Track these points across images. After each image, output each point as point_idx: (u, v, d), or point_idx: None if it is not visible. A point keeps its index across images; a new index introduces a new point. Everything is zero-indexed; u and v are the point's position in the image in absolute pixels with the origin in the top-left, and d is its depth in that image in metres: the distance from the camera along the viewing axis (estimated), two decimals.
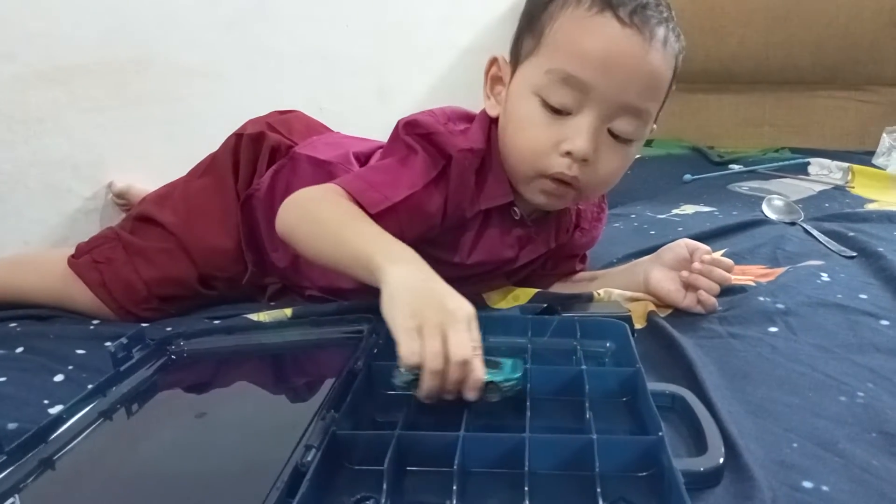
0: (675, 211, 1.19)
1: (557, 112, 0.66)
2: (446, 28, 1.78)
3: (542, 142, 0.67)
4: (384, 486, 0.43)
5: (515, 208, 0.75)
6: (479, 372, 0.49)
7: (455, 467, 0.44)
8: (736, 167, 1.52)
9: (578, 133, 0.65)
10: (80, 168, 1.15)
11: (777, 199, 1.17)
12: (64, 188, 1.14)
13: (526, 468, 0.44)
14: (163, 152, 1.22)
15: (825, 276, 0.79)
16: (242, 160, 0.88)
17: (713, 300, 0.72)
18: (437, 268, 0.57)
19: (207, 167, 0.90)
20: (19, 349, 0.71)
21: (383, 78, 1.60)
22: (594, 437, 0.46)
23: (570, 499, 0.44)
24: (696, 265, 0.72)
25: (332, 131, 0.97)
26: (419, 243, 0.64)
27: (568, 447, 0.46)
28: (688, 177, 1.44)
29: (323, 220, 0.65)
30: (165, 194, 0.89)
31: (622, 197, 1.34)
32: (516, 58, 0.71)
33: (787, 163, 1.50)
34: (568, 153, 0.66)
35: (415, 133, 0.71)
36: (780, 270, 0.83)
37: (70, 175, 1.14)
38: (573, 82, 0.64)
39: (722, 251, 0.91)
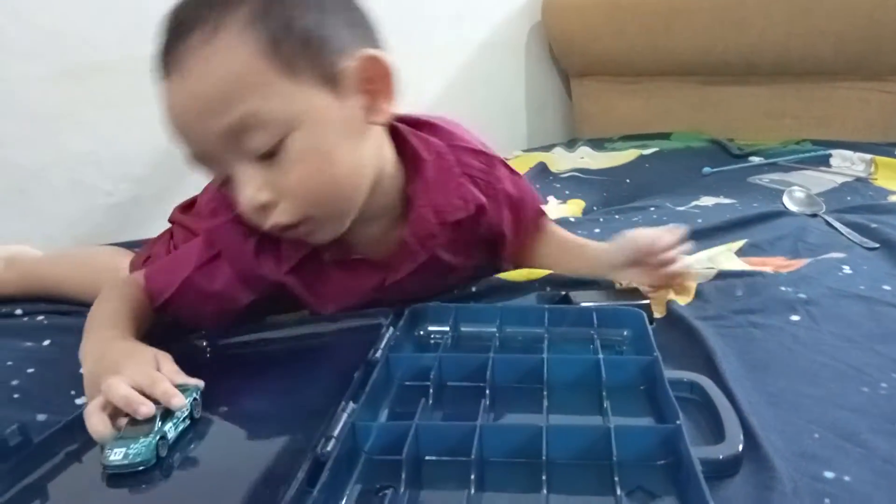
0: (694, 203, 1.18)
1: (221, 181, 0.61)
2: (460, 25, 1.78)
3: (244, 211, 0.60)
4: (403, 476, 0.44)
5: (321, 254, 0.69)
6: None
7: (473, 457, 0.44)
8: (756, 159, 1.50)
9: (238, 190, 0.59)
10: (101, 164, 1.17)
11: (798, 190, 1.16)
12: (86, 184, 1.16)
13: (544, 457, 0.44)
14: None
15: (847, 268, 0.78)
16: None
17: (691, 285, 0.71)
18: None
19: None
20: (46, 342, 0.73)
21: (402, 73, 1.61)
22: (612, 425, 0.46)
23: (588, 487, 0.44)
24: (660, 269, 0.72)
25: None
26: (271, 300, 0.70)
27: (586, 436, 0.46)
28: (707, 169, 1.43)
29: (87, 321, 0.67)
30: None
31: (641, 190, 1.33)
32: None
33: (808, 155, 1.48)
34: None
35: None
36: (802, 262, 0.82)
37: (92, 171, 1.16)
38: (191, 158, 0.60)
39: (742, 243, 0.90)
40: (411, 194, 0.69)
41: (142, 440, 0.48)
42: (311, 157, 0.58)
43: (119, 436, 0.49)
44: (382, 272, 0.71)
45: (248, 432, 0.54)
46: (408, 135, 0.70)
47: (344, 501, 0.43)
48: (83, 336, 0.64)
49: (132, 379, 0.52)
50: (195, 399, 0.53)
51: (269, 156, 0.57)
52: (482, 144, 0.76)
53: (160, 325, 0.69)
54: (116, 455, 0.47)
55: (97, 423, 0.50)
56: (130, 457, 0.47)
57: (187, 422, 0.52)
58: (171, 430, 0.50)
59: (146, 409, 0.50)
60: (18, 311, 0.81)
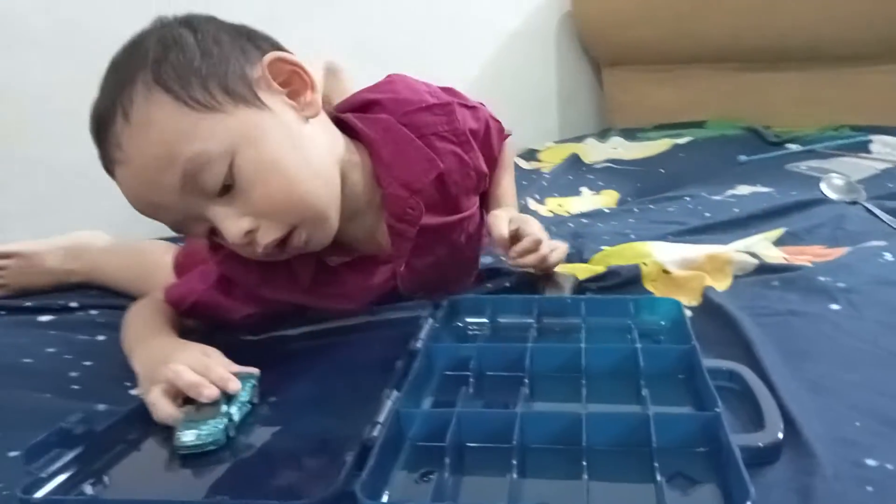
0: (730, 192, 1.17)
1: (195, 234, 0.64)
2: (492, 15, 1.78)
3: (235, 247, 0.63)
4: (446, 461, 0.45)
5: (326, 260, 0.71)
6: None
7: (514, 443, 0.46)
8: (793, 147, 1.47)
9: (222, 228, 0.60)
10: None
11: (837, 178, 1.14)
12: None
13: (584, 444, 0.45)
14: None
15: (888, 256, 0.77)
16: None
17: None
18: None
19: None
20: (101, 336, 0.76)
21: (429, 67, 1.62)
22: (651, 412, 0.47)
23: (628, 474, 0.45)
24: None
25: None
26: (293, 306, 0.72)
27: (625, 423, 0.47)
28: (743, 158, 1.41)
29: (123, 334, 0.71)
30: None
31: (676, 180, 1.32)
32: None
33: (847, 141, 1.45)
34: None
35: None
36: (841, 251, 0.81)
37: None
38: (168, 224, 0.62)
39: (780, 231, 0.90)
40: (378, 178, 0.70)
41: (211, 422, 0.51)
42: (263, 172, 0.59)
43: (188, 419, 0.52)
44: (389, 263, 0.72)
45: (299, 418, 0.56)
46: (353, 122, 0.71)
47: (390, 485, 0.45)
48: (128, 348, 0.68)
49: (190, 365, 0.55)
50: (254, 385, 0.57)
51: (228, 189, 0.59)
52: (432, 94, 0.74)
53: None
54: (189, 437, 0.50)
55: (165, 406, 0.54)
56: (203, 437, 0.50)
57: (249, 406, 0.55)
58: (235, 413, 0.53)
59: (211, 391, 0.53)
60: (74, 304, 0.85)
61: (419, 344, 0.60)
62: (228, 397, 0.54)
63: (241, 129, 0.59)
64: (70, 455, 0.48)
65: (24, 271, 0.94)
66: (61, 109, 1.11)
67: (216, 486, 0.48)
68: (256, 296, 0.71)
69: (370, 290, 0.73)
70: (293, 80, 0.64)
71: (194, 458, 0.50)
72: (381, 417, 0.49)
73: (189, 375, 0.54)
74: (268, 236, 0.60)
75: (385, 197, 0.70)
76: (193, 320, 0.74)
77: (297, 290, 0.70)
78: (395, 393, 0.52)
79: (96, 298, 0.88)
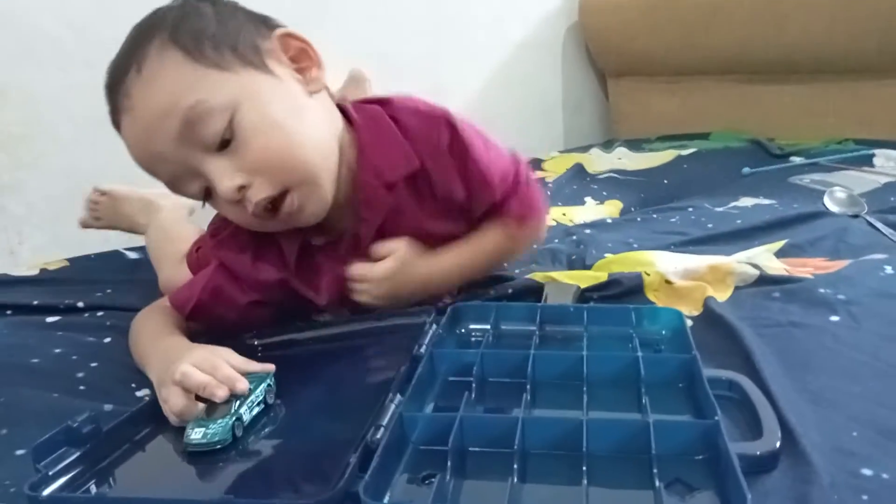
0: (733, 204, 1.18)
1: (191, 193, 0.66)
2: (500, 24, 1.80)
3: (226, 211, 0.67)
4: (448, 465, 0.46)
5: (311, 240, 0.73)
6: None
7: (515, 448, 0.46)
8: (797, 159, 1.48)
9: (214, 185, 0.62)
10: None
11: (840, 191, 1.15)
12: (140, 186, 1.20)
13: (584, 449, 0.46)
14: None
15: (889, 269, 0.77)
16: None
17: None
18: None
19: None
20: (107, 338, 0.77)
21: (438, 76, 1.63)
22: (651, 419, 0.47)
23: (628, 480, 0.45)
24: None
25: None
26: (284, 299, 0.75)
27: (625, 429, 0.48)
28: (747, 170, 1.42)
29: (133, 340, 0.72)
30: None
31: (679, 191, 1.33)
32: None
33: (850, 154, 1.46)
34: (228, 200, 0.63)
35: None
36: (842, 263, 0.81)
37: (145, 174, 1.21)
38: (164, 179, 0.66)
39: (782, 243, 0.90)
40: (357, 162, 0.71)
41: (220, 421, 0.52)
42: (263, 129, 0.62)
43: (199, 417, 0.53)
44: (363, 252, 0.72)
45: (304, 420, 0.57)
46: (347, 108, 0.73)
47: (392, 487, 0.45)
48: (139, 355, 0.69)
49: (197, 364, 0.56)
50: (269, 385, 0.58)
51: (226, 144, 0.61)
52: (427, 106, 0.74)
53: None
54: (197, 434, 0.51)
55: (177, 402, 0.55)
56: (209, 436, 0.51)
57: (262, 406, 0.57)
58: (246, 412, 0.55)
59: (222, 392, 0.54)
60: (80, 305, 0.86)
61: (423, 349, 0.60)
62: (241, 396, 0.55)
63: (246, 88, 0.62)
64: (77, 453, 0.49)
65: (114, 208, 1.07)
66: (77, 114, 1.13)
67: (221, 486, 0.48)
68: (252, 280, 0.73)
69: (341, 281, 0.73)
70: (301, 57, 0.68)
71: (200, 457, 0.51)
72: (385, 421, 0.50)
73: (198, 376, 0.55)
74: (260, 193, 0.62)
75: (359, 181, 0.71)
76: (201, 324, 0.74)
77: (283, 270, 0.73)
78: (398, 397, 0.53)
79: (103, 299, 0.89)
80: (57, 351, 0.73)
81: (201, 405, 0.54)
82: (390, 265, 0.71)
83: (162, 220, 1.02)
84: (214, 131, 0.60)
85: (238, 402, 0.54)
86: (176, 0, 0.66)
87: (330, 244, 0.74)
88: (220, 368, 0.56)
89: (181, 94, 0.60)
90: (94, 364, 0.70)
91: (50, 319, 0.82)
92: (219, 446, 0.51)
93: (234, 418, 0.53)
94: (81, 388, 0.66)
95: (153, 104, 0.60)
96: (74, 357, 0.72)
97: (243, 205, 0.63)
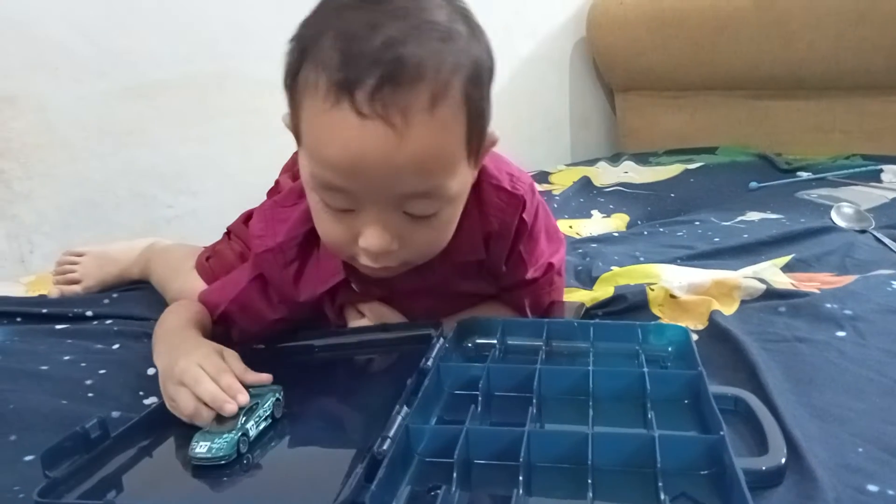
0: (740, 218, 1.18)
1: (341, 210, 0.58)
2: (508, 39, 1.81)
3: (337, 238, 0.60)
4: (454, 476, 0.46)
5: (353, 284, 0.71)
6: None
7: (521, 461, 0.46)
8: (804, 174, 1.48)
9: (369, 230, 0.57)
10: (164, 178, 1.23)
11: (847, 206, 1.15)
12: (149, 196, 1.22)
13: (589, 463, 0.46)
14: (239, 162, 1.29)
15: None
16: None
17: None
18: None
19: None
20: (115, 345, 0.77)
21: None
22: (656, 434, 0.47)
23: (633, 493, 0.46)
24: None
25: None
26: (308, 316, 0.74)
27: (631, 444, 0.48)
28: (754, 184, 1.42)
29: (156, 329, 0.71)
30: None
31: (686, 205, 1.33)
32: (294, 130, 0.60)
33: (858, 170, 1.46)
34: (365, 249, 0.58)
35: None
36: (849, 279, 0.82)
37: (155, 184, 1.22)
38: (335, 188, 0.56)
39: (788, 257, 0.90)
40: None
41: (225, 436, 0.52)
42: (444, 225, 0.61)
43: (204, 430, 0.53)
44: (387, 288, 0.72)
45: (311, 430, 0.57)
46: None
47: (398, 498, 0.45)
48: (154, 343, 0.69)
49: (202, 364, 0.56)
50: (278, 399, 0.57)
51: (413, 216, 0.58)
52: (512, 183, 0.69)
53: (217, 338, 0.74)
54: (201, 448, 0.51)
55: (188, 405, 0.54)
56: (213, 451, 0.51)
57: (269, 420, 0.56)
58: (252, 427, 0.54)
59: (231, 406, 0.53)
60: (89, 314, 0.86)
61: (430, 363, 0.60)
62: (248, 409, 0.54)
63: (464, 186, 0.60)
64: (85, 459, 0.50)
65: (98, 265, 1.00)
66: (89, 124, 1.14)
67: (227, 495, 0.49)
68: (288, 299, 0.72)
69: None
70: (481, 158, 0.64)
71: (207, 466, 0.51)
72: (391, 432, 0.50)
73: (210, 387, 0.54)
74: (391, 263, 0.60)
75: None
76: (223, 328, 0.74)
77: (320, 288, 0.71)
78: (405, 409, 0.53)
79: (112, 308, 0.90)
80: (66, 358, 0.73)
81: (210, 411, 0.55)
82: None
83: (157, 245, 1.01)
84: (421, 211, 0.57)
85: (245, 417, 0.54)
86: (482, 52, 0.58)
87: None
88: (223, 375, 0.56)
89: (439, 170, 0.55)
90: (102, 371, 0.71)
91: (59, 327, 0.83)
92: (223, 461, 0.50)
93: (240, 433, 0.52)
94: (90, 395, 0.66)
95: (415, 155, 0.52)
96: (83, 364, 0.72)
97: (368, 257, 0.59)
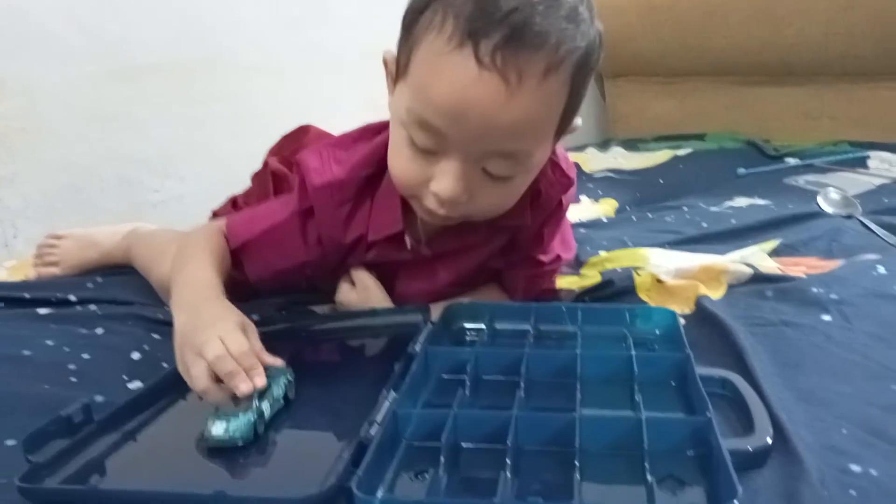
0: (728, 204, 1.18)
1: (424, 150, 0.60)
2: None
3: (411, 176, 0.62)
4: (442, 460, 0.46)
5: (407, 237, 0.71)
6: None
7: (509, 444, 0.46)
8: (792, 161, 1.49)
9: (444, 176, 0.59)
10: (150, 162, 1.22)
11: (834, 192, 1.15)
12: (135, 181, 1.21)
13: (577, 446, 0.46)
14: (226, 147, 1.28)
15: (882, 269, 0.78)
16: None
17: None
18: None
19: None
20: (99, 330, 0.76)
21: None
22: (643, 416, 0.47)
23: (620, 476, 0.46)
24: None
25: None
26: (322, 276, 0.74)
27: (618, 426, 0.48)
28: (742, 170, 1.43)
29: (175, 254, 0.72)
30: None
31: (674, 190, 1.34)
32: (397, 65, 0.63)
33: (845, 156, 1.47)
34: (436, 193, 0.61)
35: (297, 171, 0.73)
36: (836, 263, 0.82)
37: (141, 169, 1.21)
38: (429, 127, 0.58)
39: (775, 242, 0.91)
40: None
41: (241, 417, 0.51)
42: (514, 190, 0.64)
43: (219, 410, 0.52)
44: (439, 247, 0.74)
45: (298, 416, 0.57)
46: None
47: (385, 482, 0.45)
48: (172, 285, 0.67)
49: (225, 339, 0.56)
50: (288, 380, 0.57)
51: (490, 174, 0.60)
52: (559, 177, 0.73)
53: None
54: (218, 430, 0.50)
55: (203, 382, 0.55)
56: (231, 431, 0.50)
57: (282, 402, 0.56)
58: (267, 409, 0.53)
59: (247, 387, 0.53)
60: (72, 298, 0.85)
61: (418, 347, 0.60)
62: (262, 391, 0.54)
63: (543, 159, 0.64)
64: (68, 444, 0.49)
65: (79, 248, 0.98)
66: (75, 108, 1.13)
67: (213, 479, 0.48)
68: (333, 237, 0.72)
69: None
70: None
71: (193, 449, 0.50)
72: (379, 417, 0.50)
73: (229, 365, 0.54)
74: (454, 213, 0.62)
75: None
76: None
77: (374, 236, 0.71)
78: (392, 394, 0.53)
79: (95, 292, 0.89)
80: (49, 343, 0.72)
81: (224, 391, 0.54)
82: (353, 300, 0.74)
83: (140, 229, 1.00)
84: (498, 171, 0.60)
85: (260, 398, 0.53)
86: (595, 39, 0.60)
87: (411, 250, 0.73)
88: (245, 356, 0.55)
89: (532, 133, 0.59)
90: (86, 356, 0.70)
91: (42, 311, 0.82)
92: (240, 443, 0.50)
93: (256, 415, 0.52)
94: (73, 379, 0.66)
95: (518, 113, 0.55)
96: (67, 349, 0.71)
97: (435, 201, 0.61)
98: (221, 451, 0.50)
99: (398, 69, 0.62)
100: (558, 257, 0.79)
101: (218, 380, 0.55)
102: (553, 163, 0.71)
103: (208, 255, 0.69)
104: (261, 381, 0.54)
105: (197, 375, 0.55)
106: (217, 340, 0.56)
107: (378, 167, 0.70)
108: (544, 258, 0.77)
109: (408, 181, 0.63)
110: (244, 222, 0.75)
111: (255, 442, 0.51)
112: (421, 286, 0.76)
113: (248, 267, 0.74)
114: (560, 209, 0.75)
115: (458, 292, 0.77)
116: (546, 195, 0.72)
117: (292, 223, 0.72)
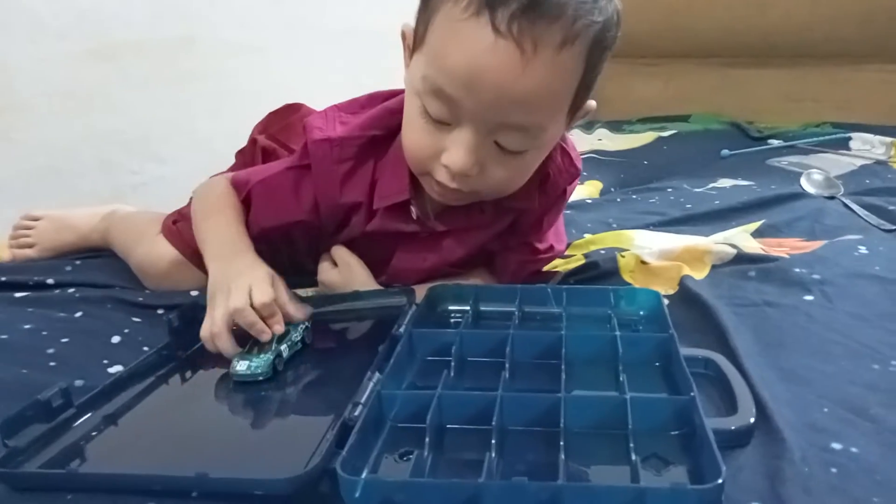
0: (711, 185, 1.19)
1: (437, 121, 0.60)
2: None
3: (423, 147, 0.62)
4: (427, 441, 0.46)
5: (413, 206, 0.71)
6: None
7: (494, 425, 0.46)
8: (775, 142, 1.50)
9: (456, 147, 0.59)
10: (129, 143, 1.20)
11: (816, 173, 1.16)
12: (114, 162, 1.18)
13: (562, 426, 0.46)
14: (208, 127, 1.26)
15: (863, 249, 0.78)
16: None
17: None
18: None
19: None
20: (78, 313, 0.75)
21: None
22: (628, 396, 0.47)
23: (605, 455, 0.46)
24: None
25: None
26: (314, 241, 0.76)
27: (602, 406, 0.48)
28: (725, 152, 1.43)
29: (196, 211, 0.77)
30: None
31: (659, 171, 1.34)
32: (415, 36, 0.63)
33: (827, 137, 1.48)
34: (447, 166, 0.61)
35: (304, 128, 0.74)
36: (818, 244, 0.83)
37: (120, 150, 1.19)
38: (443, 96, 0.58)
39: (759, 223, 0.91)
40: None
41: (262, 356, 0.57)
42: (525, 167, 0.64)
43: (243, 351, 0.58)
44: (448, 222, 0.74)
45: (283, 398, 0.56)
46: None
47: (370, 463, 0.45)
48: (199, 236, 0.73)
49: (251, 287, 0.61)
50: (307, 327, 0.63)
51: (502, 148, 0.61)
52: (567, 167, 0.74)
53: None
54: (242, 366, 0.56)
55: (226, 341, 0.59)
56: (252, 368, 0.56)
57: (300, 345, 0.62)
58: (285, 350, 0.60)
59: (266, 335, 0.59)
60: (50, 281, 0.84)
61: (402, 329, 0.60)
62: (280, 335, 0.60)
63: (554, 136, 0.65)
64: (47, 429, 0.49)
65: (55, 229, 0.97)
66: (51, 87, 1.10)
67: (196, 462, 0.48)
68: (327, 196, 0.72)
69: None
70: (577, 121, 0.68)
71: (173, 431, 0.50)
72: (363, 398, 0.49)
73: (251, 317, 0.59)
74: (463, 187, 0.62)
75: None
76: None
77: (363, 197, 0.71)
78: (377, 375, 0.53)
79: (73, 275, 0.87)
80: (27, 327, 0.71)
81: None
82: (336, 279, 0.75)
83: (119, 211, 0.98)
84: (511, 145, 0.60)
85: (277, 339, 0.59)
86: (613, 17, 0.61)
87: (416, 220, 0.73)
88: (268, 306, 0.60)
89: (546, 107, 0.59)
90: (64, 340, 0.69)
91: (18, 295, 0.80)
92: (261, 378, 0.56)
93: (275, 355, 0.58)
94: (52, 363, 0.65)
95: (531, 85, 0.56)
96: (45, 333, 0.70)
97: (447, 173, 0.61)
98: (204, 433, 0.50)
99: (416, 40, 0.62)
100: (552, 247, 0.79)
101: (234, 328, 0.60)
102: (563, 150, 0.72)
103: (230, 210, 0.73)
104: (279, 328, 0.59)
105: (215, 319, 0.59)
106: (243, 290, 0.60)
107: (384, 130, 0.69)
108: (539, 245, 0.78)
109: (420, 153, 0.63)
110: (246, 173, 0.76)
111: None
112: (418, 264, 0.75)
113: (249, 223, 0.75)
114: (563, 198, 0.76)
115: (449, 273, 0.77)
116: (553, 181, 0.73)
117: (285, 176, 0.73)
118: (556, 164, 0.72)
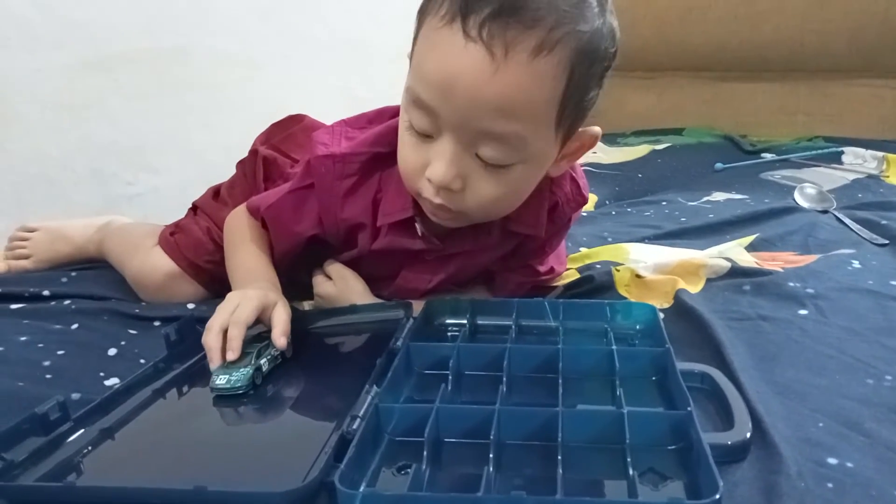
0: (706, 198, 1.20)
1: (421, 133, 0.60)
2: None
3: (411, 163, 0.62)
4: (425, 455, 0.46)
5: (417, 224, 0.70)
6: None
7: (491, 439, 0.46)
8: (768, 156, 1.51)
9: (437, 159, 0.59)
10: (123, 154, 1.19)
11: (809, 187, 1.17)
12: (108, 173, 1.18)
13: (559, 440, 0.46)
14: (201, 138, 1.26)
15: (856, 263, 0.79)
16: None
17: None
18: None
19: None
20: (74, 325, 0.75)
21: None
22: (625, 410, 0.48)
23: (602, 469, 0.46)
24: None
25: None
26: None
27: (599, 420, 0.48)
28: (719, 165, 1.44)
29: (226, 244, 0.79)
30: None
31: (653, 185, 1.35)
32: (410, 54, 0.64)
33: (820, 151, 1.49)
34: (429, 179, 0.60)
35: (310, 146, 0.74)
36: (811, 258, 0.83)
37: (114, 160, 1.18)
38: (423, 105, 0.58)
39: (752, 237, 0.92)
40: None
41: (242, 370, 0.58)
42: (513, 184, 0.62)
43: (223, 366, 0.58)
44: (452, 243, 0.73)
45: (281, 411, 0.57)
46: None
47: (368, 477, 0.45)
48: (228, 273, 0.76)
49: (228, 311, 0.62)
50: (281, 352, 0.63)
51: (485, 162, 0.59)
52: (575, 195, 0.74)
53: None
54: (221, 380, 0.57)
55: (212, 341, 0.59)
56: (232, 381, 0.57)
57: (279, 359, 0.62)
58: (264, 364, 0.60)
59: (232, 354, 0.59)
60: (46, 293, 0.84)
61: (399, 343, 0.60)
62: (260, 350, 0.61)
63: (544, 153, 0.62)
64: (44, 442, 0.48)
65: (51, 240, 0.98)
66: (44, 98, 1.10)
67: (194, 475, 0.47)
68: (329, 212, 0.72)
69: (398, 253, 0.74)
70: (580, 150, 0.67)
71: (171, 444, 0.51)
72: (361, 412, 0.49)
73: (235, 331, 0.60)
74: (448, 203, 0.61)
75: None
76: None
77: (365, 216, 0.72)
78: (374, 389, 0.53)
79: (69, 287, 0.87)
80: (22, 339, 0.71)
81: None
82: (332, 291, 0.75)
83: (114, 222, 0.98)
84: (492, 157, 0.58)
85: (257, 354, 0.60)
86: (603, 31, 0.59)
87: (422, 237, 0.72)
88: (235, 326, 0.60)
89: (524, 116, 0.57)
90: (60, 352, 0.68)
91: (14, 307, 0.80)
92: (241, 391, 0.56)
93: (254, 368, 0.58)
94: (48, 376, 0.64)
95: (508, 92, 0.55)
96: (41, 345, 0.70)
97: (430, 187, 0.61)
98: (202, 447, 0.50)
99: (410, 57, 0.62)
100: (552, 269, 0.80)
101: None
102: (572, 178, 0.73)
103: (252, 242, 0.76)
104: (232, 355, 0.58)
105: (210, 327, 0.60)
106: (226, 311, 0.61)
107: (389, 147, 0.69)
108: (540, 268, 0.78)
109: (408, 169, 0.63)
110: (257, 199, 0.77)
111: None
112: (422, 285, 0.75)
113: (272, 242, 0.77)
114: (567, 225, 0.77)
115: (449, 290, 0.77)
116: (561, 209, 0.73)
117: (287, 200, 0.74)
118: (564, 192, 0.72)
